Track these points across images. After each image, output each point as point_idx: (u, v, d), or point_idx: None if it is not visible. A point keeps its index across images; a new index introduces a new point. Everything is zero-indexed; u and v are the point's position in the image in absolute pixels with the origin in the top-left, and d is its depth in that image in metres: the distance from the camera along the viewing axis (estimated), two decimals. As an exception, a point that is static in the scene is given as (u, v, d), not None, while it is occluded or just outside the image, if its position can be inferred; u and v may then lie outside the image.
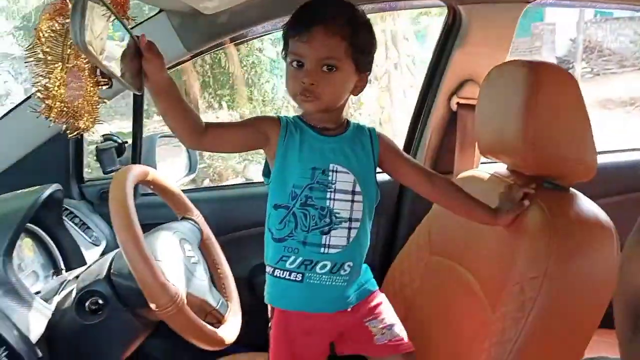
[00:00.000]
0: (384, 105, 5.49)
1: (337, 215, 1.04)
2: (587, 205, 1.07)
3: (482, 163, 1.62)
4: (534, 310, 0.96)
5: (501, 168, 1.28)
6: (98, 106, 0.72)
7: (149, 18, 1.31)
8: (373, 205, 1.10)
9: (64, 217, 1.33)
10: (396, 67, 5.50)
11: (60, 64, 0.65)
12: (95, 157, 1.50)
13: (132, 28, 1.30)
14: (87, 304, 1.01)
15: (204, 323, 1.03)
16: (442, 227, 1.34)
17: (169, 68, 1.37)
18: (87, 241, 1.38)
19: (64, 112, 0.66)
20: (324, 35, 0.95)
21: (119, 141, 1.53)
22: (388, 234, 1.66)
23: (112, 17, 0.69)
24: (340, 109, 1.08)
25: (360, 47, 1.00)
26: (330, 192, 1.03)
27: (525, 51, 9.71)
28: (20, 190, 1.11)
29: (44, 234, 1.21)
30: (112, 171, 1.50)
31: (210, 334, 1.04)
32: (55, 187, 1.14)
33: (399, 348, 1.14)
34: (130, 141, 1.57)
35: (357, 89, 1.05)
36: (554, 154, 1.09)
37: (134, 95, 1.52)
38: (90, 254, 1.35)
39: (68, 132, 0.71)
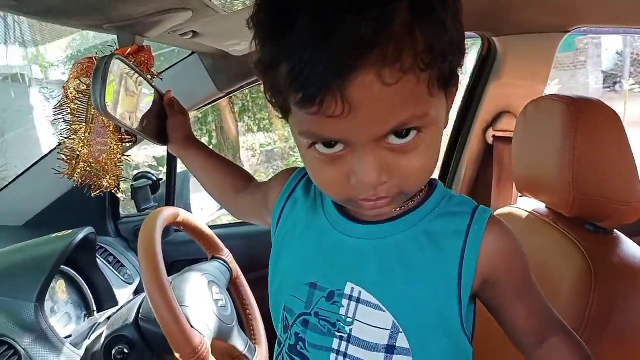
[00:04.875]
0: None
1: None
2: (632, 249, 1.01)
3: (520, 196, 1.56)
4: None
5: (541, 205, 1.23)
6: (121, 164, 0.73)
7: (181, 60, 1.33)
8: None
9: (98, 256, 1.35)
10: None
11: (84, 124, 0.66)
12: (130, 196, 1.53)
13: (165, 70, 1.33)
14: (114, 351, 1.01)
15: None
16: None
17: (202, 107, 1.39)
18: (121, 280, 1.40)
19: (87, 172, 0.67)
20: (379, 86, 0.45)
21: (153, 179, 1.56)
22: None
23: (137, 75, 0.69)
24: None
25: (446, 64, 0.49)
26: (340, 339, 0.57)
27: (570, 66, 9.45)
28: (54, 235, 1.13)
29: (77, 276, 1.23)
30: (146, 209, 1.52)
31: (236, 384, 1.02)
32: (87, 230, 1.16)
33: None
34: (164, 177, 1.59)
35: (448, 115, 0.56)
36: (596, 195, 1.03)
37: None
38: (123, 292, 1.36)
39: (92, 191, 0.72)
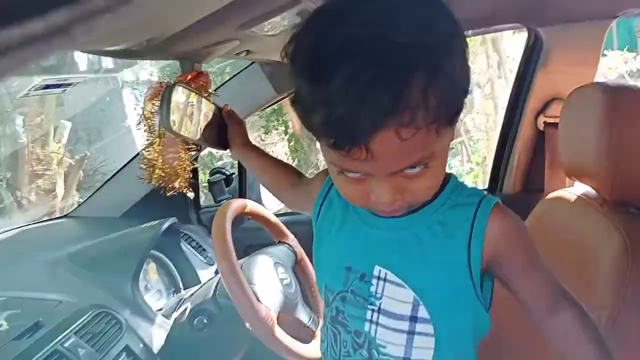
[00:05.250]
0: (490, 112, 5.30)
1: (381, 349, 0.69)
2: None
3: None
4: (608, 341, 0.95)
5: (590, 189, 1.26)
6: (190, 169, 0.89)
7: (244, 69, 1.49)
8: (467, 341, 0.70)
9: (182, 242, 1.56)
10: (499, 75, 5.27)
11: (158, 139, 0.82)
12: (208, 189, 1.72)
13: (230, 79, 1.49)
14: (196, 321, 1.20)
15: (293, 340, 1.16)
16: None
17: (264, 108, 1.54)
18: (203, 262, 1.60)
19: (162, 177, 0.83)
20: (397, 141, 0.54)
21: (227, 173, 1.74)
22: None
23: (197, 96, 0.85)
24: None
25: (453, 108, 0.59)
26: (372, 311, 0.68)
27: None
28: (144, 225, 1.34)
29: (165, 259, 1.44)
30: (221, 200, 1.71)
31: (298, 349, 1.17)
32: (172, 220, 1.36)
33: None
34: (236, 172, 1.77)
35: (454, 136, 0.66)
36: (636, 179, 1.06)
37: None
38: (205, 272, 1.56)
39: (166, 191, 0.88)
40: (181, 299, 1.36)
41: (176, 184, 0.86)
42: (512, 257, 0.68)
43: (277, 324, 1.15)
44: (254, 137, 6.94)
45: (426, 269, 0.66)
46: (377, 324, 0.68)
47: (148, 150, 0.83)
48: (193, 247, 1.63)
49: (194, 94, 0.83)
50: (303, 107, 0.57)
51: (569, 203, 1.28)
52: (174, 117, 0.77)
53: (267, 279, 1.28)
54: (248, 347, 1.31)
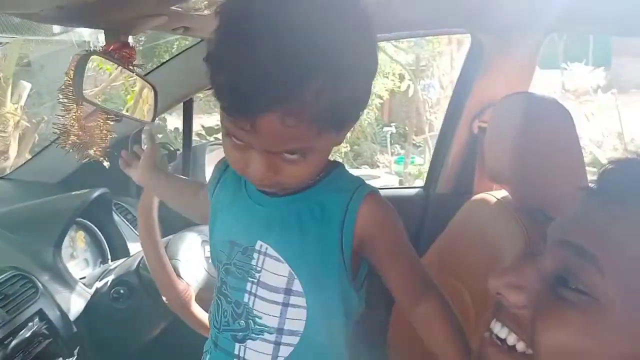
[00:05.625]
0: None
1: (257, 320, 0.73)
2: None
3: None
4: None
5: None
6: (107, 138, 0.90)
7: (191, 47, 1.50)
8: (337, 316, 0.75)
9: (117, 214, 1.56)
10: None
11: (75, 106, 0.83)
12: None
13: (174, 57, 1.49)
14: (114, 290, 1.22)
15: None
16: (452, 248, 1.41)
17: (208, 89, 1.55)
18: (136, 235, 1.60)
19: (76, 143, 0.84)
20: (278, 122, 0.59)
21: (171, 149, 1.74)
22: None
23: (120, 68, 0.86)
24: None
25: (343, 117, 0.65)
26: (252, 283, 0.73)
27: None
28: (74, 192, 1.34)
29: (95, 228, 1.44)
30: (162, 175, 1.71)
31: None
32: (102, 190, 1.36)
33: None
34: (181, 149, 1.77)
35: (341, 141, 0.72)
36: (543, 185, 1.13)
37: (184, 109, 1.73)
38: (136, 246, 1.56)
39: (81, 158, 0.90)
40: (106, 270, 1.37)
41: (91, 152, 0.88)
42: (382, 241, 0.73)
43: (199, 300, 1.18)
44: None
45: (303, 246, 0.71)
46: (255, 295, 0.72)
47: (64, 117, 0.84)
48: (128, 220, 1.64)
49: (116, 65, 0.84)
50: (213, 62, 0.61)
51: (489, 205, 1.34)
52: (93, 86, 0.79)
53: (192, 256, 1.30)
54: (168, 321, 1.33)
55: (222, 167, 0.81)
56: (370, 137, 7.08)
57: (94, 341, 1.27)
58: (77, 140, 0.85)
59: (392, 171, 6.34)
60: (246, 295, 0.73)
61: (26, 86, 4.87)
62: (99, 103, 0.80)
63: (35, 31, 4.71)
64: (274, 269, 0.71)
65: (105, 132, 0.89)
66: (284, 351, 0.73)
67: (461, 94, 1.59)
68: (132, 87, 0.90)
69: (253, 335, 0.73)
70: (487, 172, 1.32)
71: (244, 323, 0.73)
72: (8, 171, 4.33)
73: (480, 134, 1.56)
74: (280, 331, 0.72)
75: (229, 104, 0.60)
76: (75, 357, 1.18)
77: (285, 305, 0.71)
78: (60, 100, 0.83)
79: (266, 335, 0.73)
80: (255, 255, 0.72)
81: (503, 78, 1.49)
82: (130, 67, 0.87)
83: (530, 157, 1.12)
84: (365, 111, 0.64)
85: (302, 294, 0.71)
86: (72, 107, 0.83)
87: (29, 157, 4.75)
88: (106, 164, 1.04)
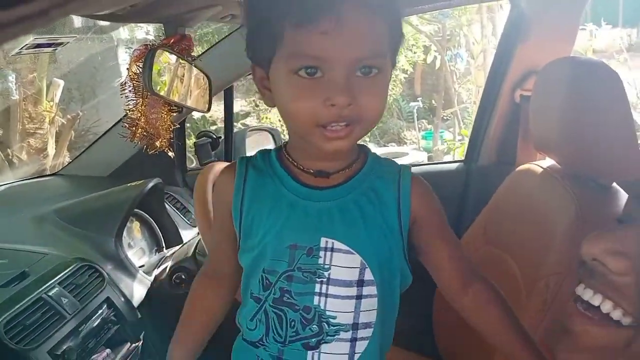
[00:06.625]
0: (480, 84, 5.30)
1: (331, 321, 0.70)
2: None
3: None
4: (552, 307, 1.00)
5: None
6: (171, 129, 0.93)
7: (231, 33, 1.51)
8: (397, 300, 0.75)
9: (167, 203, 1.61)
10: (495, 46, 5.26)
11: (141, 99, 0.87)
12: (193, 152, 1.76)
13: (215, 44, 1.51)
14: (175, 277, 1.27)
15: None
16: (498, 219, 1.41)
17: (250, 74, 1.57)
18: (186, 222, 1.65)
19: (144, 136, 0.88)
20: (364, 19, 0.60)
21: (214, 136, 1.78)
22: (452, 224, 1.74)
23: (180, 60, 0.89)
24: None
25: (400, 29, 0.67)
26: (321, 284, 0.69)
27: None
28: (129, 184, 1.39)
29: (150, 218, 1.49)
30: (206, 163, 1.75)
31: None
32: (156, 180, 1.40)
33: None
34: (223, 136, 1.81)
35: (390, 77, 0.70)
36: (594, 152, 1.11)
37: (225, 97, 1.76)
38: (188, 233, 1.61)
39: (148, 149, 0.93)
40: (163, 257, 1.42)
41: (157, 143, 0.91)
42: (431, 220, 0.74)
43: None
44: (249, 101, 6.94)
45: (369, 232, 0.69)
46: (326, 295, 0.69)
47: (132, 110, 0.87)
48: (177, 208, 1.68)
49: (178, 57, 0.87)
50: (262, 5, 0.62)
51: (535, 175, 1.33)
52: (159, 78, 0.81)
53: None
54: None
55: (239, 177, 0.73)
56: (396, 113, 7.02)
57: (157, 326, 1.33)
58: (145, 134, 0.88)
59: (420, 147, 6.28)
60: (316, 297, 0.69)
61: (59, 83, 4.97)
62: (165, 95, 0.82)
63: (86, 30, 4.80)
64: (344, 263, 0.69)
65: (169, 123, 0.93)
66: (360, 347, 0.71)
67: (501, 63, 1.57)
68: (189, 78, 0.92)
69: (328, 337, 0.70)
70: (533, 141, 1.31)
71: (317, 327, 0.70)
72: (49, 169, 4.50)
73: (523, 103, 1.55)
74: (355, 326, 0.70)
75: (313, 4, 0.58)
76: (142, 342, 1.24)
77: (359, 297, 0.69)
78: (125, 94, 0.86)
79: (342, 334, 0.70)
80: (322, 253, 0.68)
81: (545, 43, 1.47)
82: (188, 58, 0.90)
83: (580, 124, 1.11)
84: (390, 86, 0.63)
85: (373, 282, 0.70)
86: (139, 100, 0.86)
87: (67, 153, 4.92)
88: (171, 154, 1.07)
